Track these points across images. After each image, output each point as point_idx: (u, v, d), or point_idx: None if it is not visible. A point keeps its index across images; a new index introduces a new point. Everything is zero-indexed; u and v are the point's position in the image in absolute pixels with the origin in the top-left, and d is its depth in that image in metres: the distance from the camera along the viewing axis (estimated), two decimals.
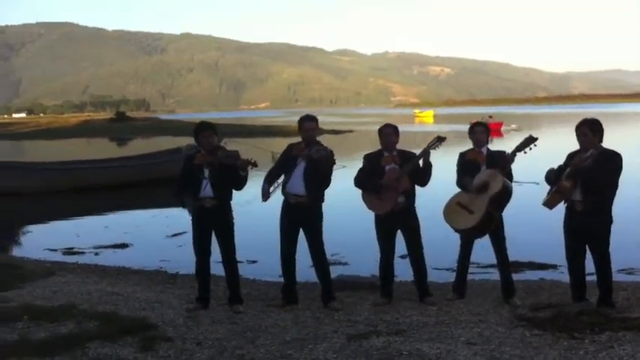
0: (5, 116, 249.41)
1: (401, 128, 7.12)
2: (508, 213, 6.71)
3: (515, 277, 8.01)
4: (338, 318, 6.29)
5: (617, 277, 7.97)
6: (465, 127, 7.64)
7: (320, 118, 7.33)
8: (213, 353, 5.25)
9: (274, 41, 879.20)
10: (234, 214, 6.76)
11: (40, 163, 22.02)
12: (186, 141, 6.09)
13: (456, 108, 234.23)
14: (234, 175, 6.47)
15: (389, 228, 6.79)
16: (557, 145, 6.33)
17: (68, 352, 5.14)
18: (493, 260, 6.95)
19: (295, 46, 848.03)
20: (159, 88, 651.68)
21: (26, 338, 5.48)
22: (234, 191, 6.72)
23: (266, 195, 6.79)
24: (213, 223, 6.62)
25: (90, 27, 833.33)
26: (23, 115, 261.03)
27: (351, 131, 54.80)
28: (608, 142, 6.08)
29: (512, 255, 8.47)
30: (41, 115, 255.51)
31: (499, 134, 44.66)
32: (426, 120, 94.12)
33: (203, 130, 6.67)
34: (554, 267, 8.59)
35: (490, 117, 52.87)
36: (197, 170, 6.59)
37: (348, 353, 5.14)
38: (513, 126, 51.06)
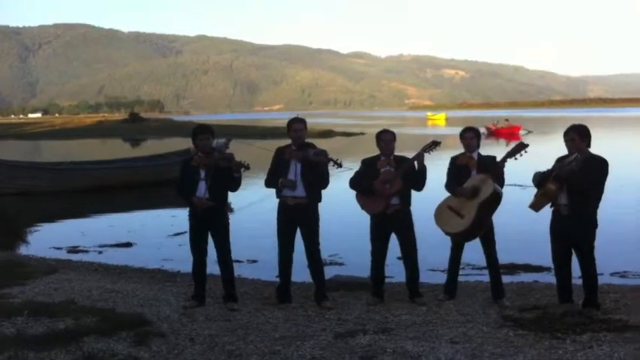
0: (20, 116, 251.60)
1: (412, 131, 7.24)
2: (509, 215, 6.72)
3: (510, 278, 8.15)
4: (329, 317, 6.42)
5: (610, 280, 8.10)
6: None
7: (333, 121, 7.45)
8: (204, 349, 5.40)
9: (289, 43, 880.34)
10: (232, 215, 6.91)
11: (50, 163, 22.26)
12: None
13: (470, 111, 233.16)
14: (229, 176, 6.66)
15: (383, 230, 6.91)
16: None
17: (64, 346, 5.27)
18: None
19: (310, 49, 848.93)
20: (173, 90, 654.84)
21: (24, 332, 5.63)
22: (235, 194, 6.89)
23: (290, 184, 6.72)
24: (209, 223, 6.79)
25: (105, 28, 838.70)
26: (38, 115, 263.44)
27: (362, 133, 54.79)
28: (623, 147, 6.17)
29: (509, 257, 8.60)
30: (56, 115, 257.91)
31: (517, 137, 43.84)
32: (438, 123, 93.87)
33: (200, 132, 6.87)
34: (549, 270, 8.60)
35: (506, 120, 52.66)
36: (194, 172, 6.76)
37: (333, 350, 5.27)
38: (530, 131, 50.08)
